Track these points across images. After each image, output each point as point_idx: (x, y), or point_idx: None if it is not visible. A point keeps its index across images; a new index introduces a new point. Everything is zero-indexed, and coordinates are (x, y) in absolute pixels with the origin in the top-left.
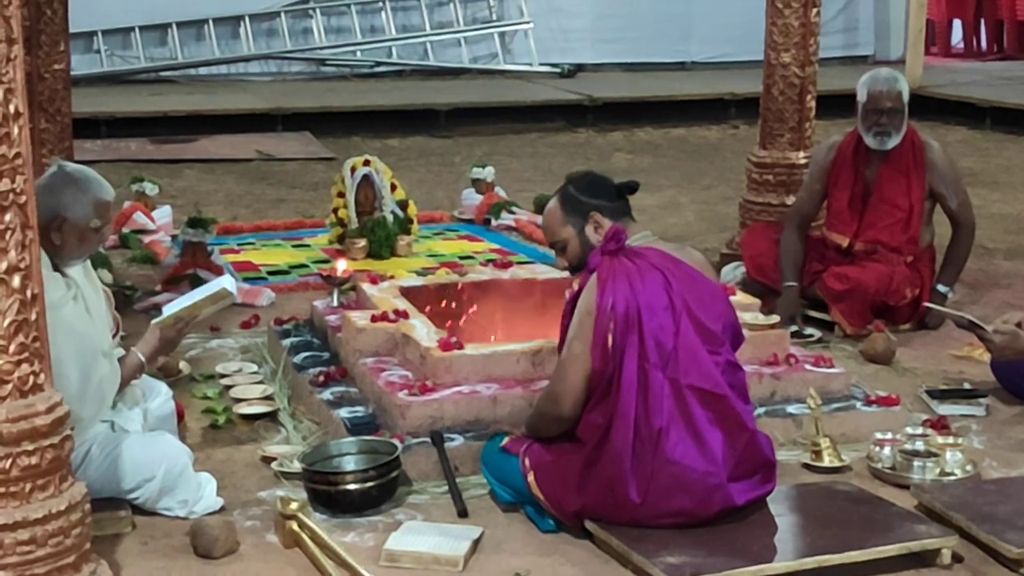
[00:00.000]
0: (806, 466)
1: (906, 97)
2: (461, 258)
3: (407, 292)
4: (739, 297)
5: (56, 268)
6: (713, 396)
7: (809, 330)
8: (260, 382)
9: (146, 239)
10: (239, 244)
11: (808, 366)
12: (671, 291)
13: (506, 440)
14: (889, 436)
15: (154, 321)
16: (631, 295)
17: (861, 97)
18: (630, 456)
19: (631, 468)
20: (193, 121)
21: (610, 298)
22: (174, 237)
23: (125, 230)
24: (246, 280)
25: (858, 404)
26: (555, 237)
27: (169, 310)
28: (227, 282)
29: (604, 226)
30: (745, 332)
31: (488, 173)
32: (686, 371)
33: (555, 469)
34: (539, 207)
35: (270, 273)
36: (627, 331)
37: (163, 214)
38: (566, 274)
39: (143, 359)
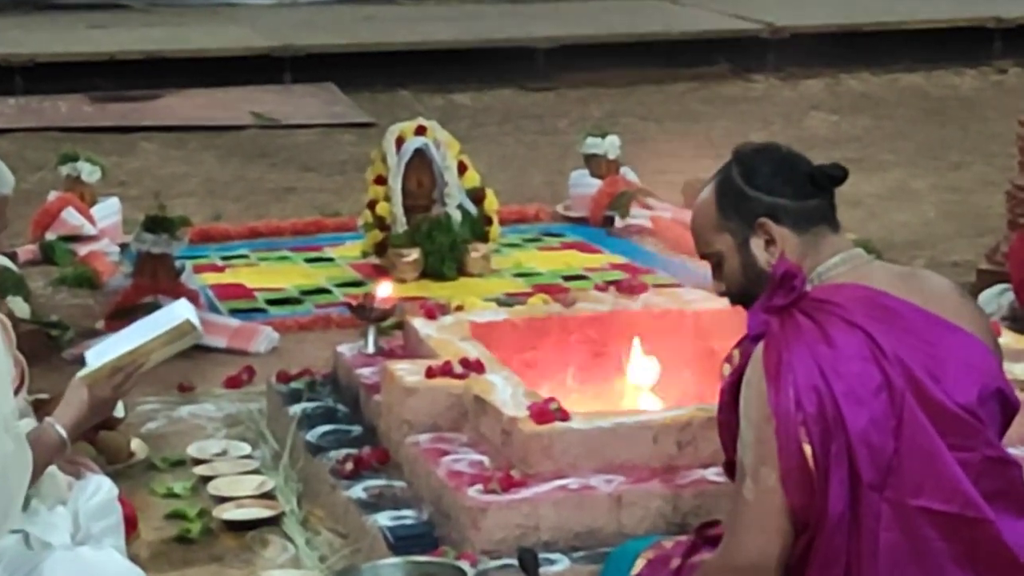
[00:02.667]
0: None
1: None
2: (567, 278)
3: (483, 332)
4: (1007, 339)
5: None
6: (962, 521)
7: None
8: (255, 471)
9: (81, 250)
10: (224, 258)
11: None
12: (884, 360)
13: (640, 563)
14: None
15: (79, 374)
16: (821, 379)
17: None
18: None
19: None
20: (155, 68)
21: (790, 390)
22: (124, 247)
23: (49, 236)
24: (235, 313)
25: None
26: (706, 247)
27: (100, 356)
28: (187, 310)
29: (781, 242)
30: (1021, 395)
31: (610, 146)
32: (916, 487)
33: None
34: (691, 196)
35: (271, 303)
36: (827, 438)
37: (108, 211)
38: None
39: (64, 434)
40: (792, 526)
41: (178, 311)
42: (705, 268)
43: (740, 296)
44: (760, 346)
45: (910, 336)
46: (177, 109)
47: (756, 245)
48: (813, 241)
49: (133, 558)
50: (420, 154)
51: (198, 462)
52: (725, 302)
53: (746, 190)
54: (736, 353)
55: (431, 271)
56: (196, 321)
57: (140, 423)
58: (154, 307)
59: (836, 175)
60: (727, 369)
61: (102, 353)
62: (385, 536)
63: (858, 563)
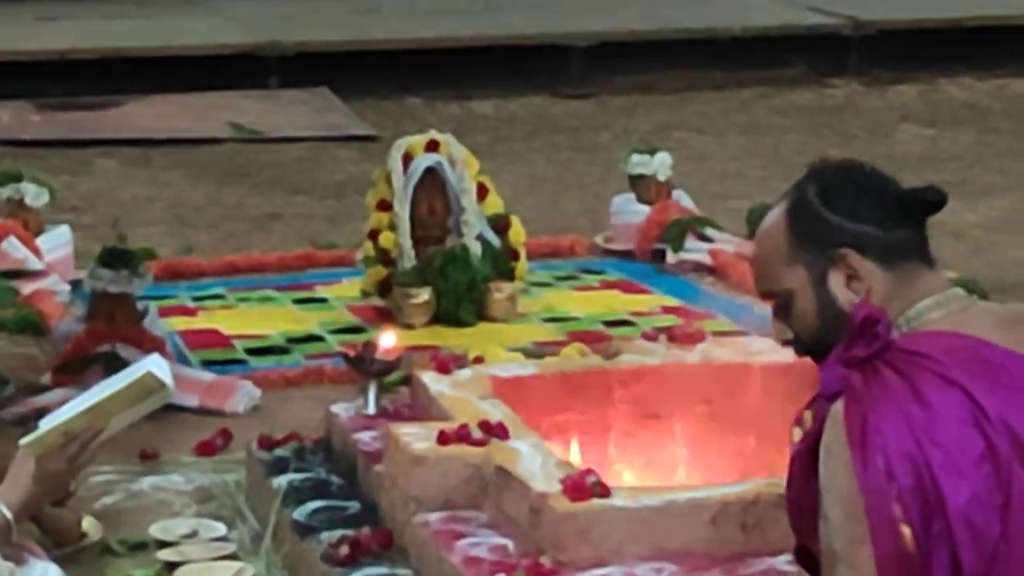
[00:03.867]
0: None
1: None
2: (609, 324)
3: (507, 389)
4: None
5: None
6: None
7: None
8: (231, 556)
9: (24, 288)
10: (196, 298)
11: None
12: (987, 424)
13: None
14: None
15: (23, 441)
16: (915, 446)
17: None
18: None
19: None
20: (115, 69)
21: (879, 459)
22: (76, 285)
23: None
24: (209, 365)
25: None
26: (773, 283)
27: (52, 420)
28: (156, 365)
29: (866, 278)
30: None
31: (660, 165)
32: None
33: None
34: (756, 227)
35: (252, 352)
36: (927, 516)
37: (57, 242)
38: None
39: (8, 515)
40: None
41: (148, 365)
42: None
43: (812, 345)
44: (839, 406)
45: (1018, 395)
46: (140, 119)
47: (835, 281)
48: (903, 279)
49: None
50: (432, 174)
51: (163, 545)
52: (791, 354)
53: (825, 214)
54: (808, 415)
55: (445, 315)
56: (166, 377)
57: (93, 497)
58: (112, 358)
59: (932, 200)
60: (797, 434)
61: (53, 417)
62: None
63: None
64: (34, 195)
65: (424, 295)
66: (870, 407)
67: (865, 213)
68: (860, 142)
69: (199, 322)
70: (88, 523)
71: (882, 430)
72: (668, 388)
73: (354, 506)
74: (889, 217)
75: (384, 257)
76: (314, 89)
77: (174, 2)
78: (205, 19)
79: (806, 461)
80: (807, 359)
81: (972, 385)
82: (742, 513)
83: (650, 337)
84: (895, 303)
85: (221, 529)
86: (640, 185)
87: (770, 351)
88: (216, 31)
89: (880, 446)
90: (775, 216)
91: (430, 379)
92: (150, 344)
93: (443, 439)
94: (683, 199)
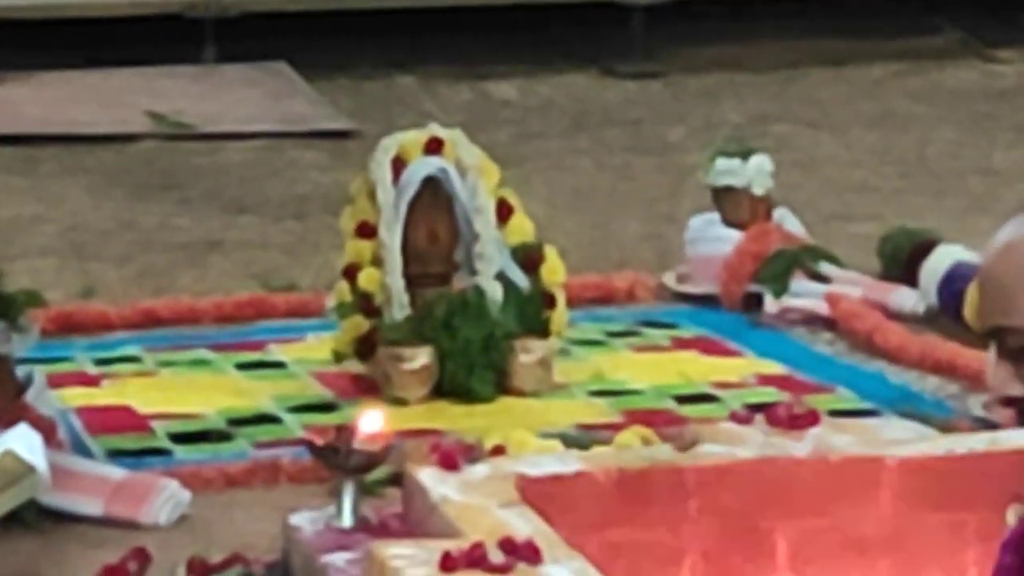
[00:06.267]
0: None
1: None
2: (682, 400)
3: (540, 492)
4: None
5: None
6: None
7: None
8: None
9: None
10: (99, 361)
11: None
12: None
13: None
14: None
15: None
16: None
17: None
18: None
19: None
20: None
21: None
22: None
23: None
24: (117, 457)
25: None
26: (1010, 317)
27: None
28: (20, 440)
29: None
30: None
31: (755, 173)
32: None
33: None
34: (893, 261)
35: (178, 439)
36: None
37: None
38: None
39: None
40: None
41: (9, 440)
42: (925, 384)
43: None
44: None
45: None
46: (22, 106)
47: None
48: None
49: None
50: (433, 187)
51: None
52: (954, 443)
53: None
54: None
55: (451, 386)
56: (36, 458)
57: None
58: None
59: None
60: (1013, 516)
61: None
62: None
63: None
64: None
65: (422, 358)
66: None
67: None
68: None
69: (104, 395)
70: None
71: None
72: (767, 493)
73: None
74: None
75: (365, 304)
76: (266, 64)
77: None
78: None
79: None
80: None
81: None
82: None
83: (741, 419)
84: None
85: None
86: (727, 201)
87: (911, 439)
88: None
89: None
90: (1018, 228)
91: (430, 478)
92: (34, 426)
93: (448, 564)
94: (788, 221)
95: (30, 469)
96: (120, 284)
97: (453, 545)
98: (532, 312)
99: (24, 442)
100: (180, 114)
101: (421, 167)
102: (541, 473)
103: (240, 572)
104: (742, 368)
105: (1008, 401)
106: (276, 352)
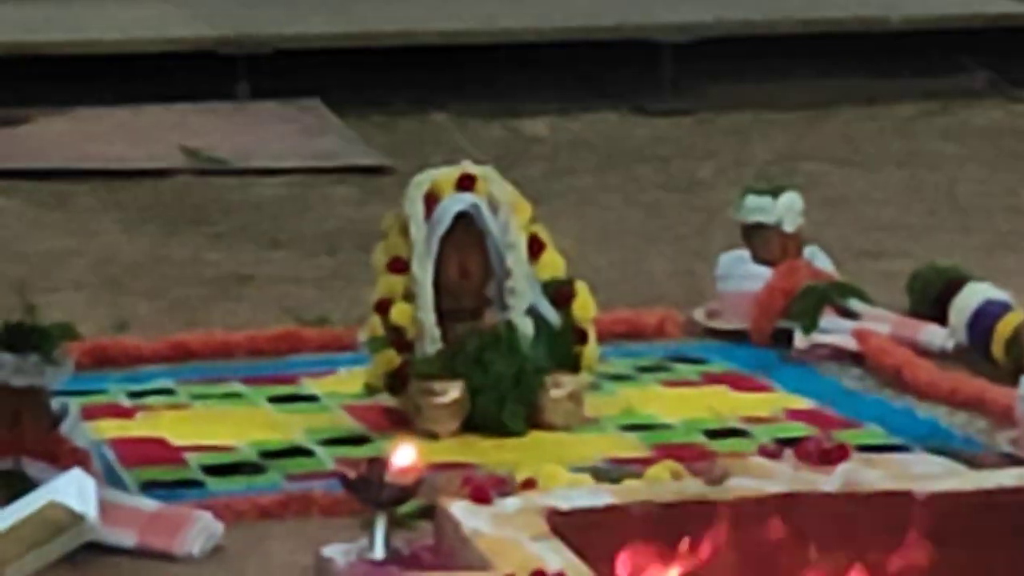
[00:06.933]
0: None
1: None
2: (713, 435)
3: (572, 525)
4: None
5: None
6: None
7: None
8: None
9: None
10: (133, 394)
11: None
12: None
13: None
14: None
15: None
16: None
17: None
18: None
19: None
20: (22, 72)
21: None
22: None
23: None
24: (151, 489)
25: None
26: None
27: None
28: (72, 487)
29: None
30: None
31: (786, 210)
32: None
33: None
34: (922, 298)
35: (211, 471)
36: None
37: None
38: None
39: None
40: None
41: (62, 489)
42: (954, 420)
43: None
44: None
45: None
46: (56, 141)
47: None
48: None
49: None
50: (465, 223)
51: None
52: (983, 479)
53: None
54: None
55: (482, 420)
56: (87, 504)
57: None
58: (14, 477)
59: None
60: None
61: None
62: None
63: None
64: None
65: (453, 392)
66: None
67: None
68: None
69: (138, 428)
70: None
71: None
72: (796, 528)
73: None
74: None
75: (397, 338)
76: (300, 101)
77: None
78: (149, 4)
79: None
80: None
81: None
82: None
83: (771, 454)
84: None
85: None
86: (758, 238)
87: (941, 475)
88: (164, 20)
89: None
90: None
91: (462, 511)
92: (69, 458)
93: None
94: (818, 258)
95: (79, 518)
96: (153, 317)
97: None
98: (563, 347)
99: (75, 488)
100: (213, 149)
101: (453, 203)
102: (572, 506)
103: None
104: (772, 403)
105: None
106: (308, 385)
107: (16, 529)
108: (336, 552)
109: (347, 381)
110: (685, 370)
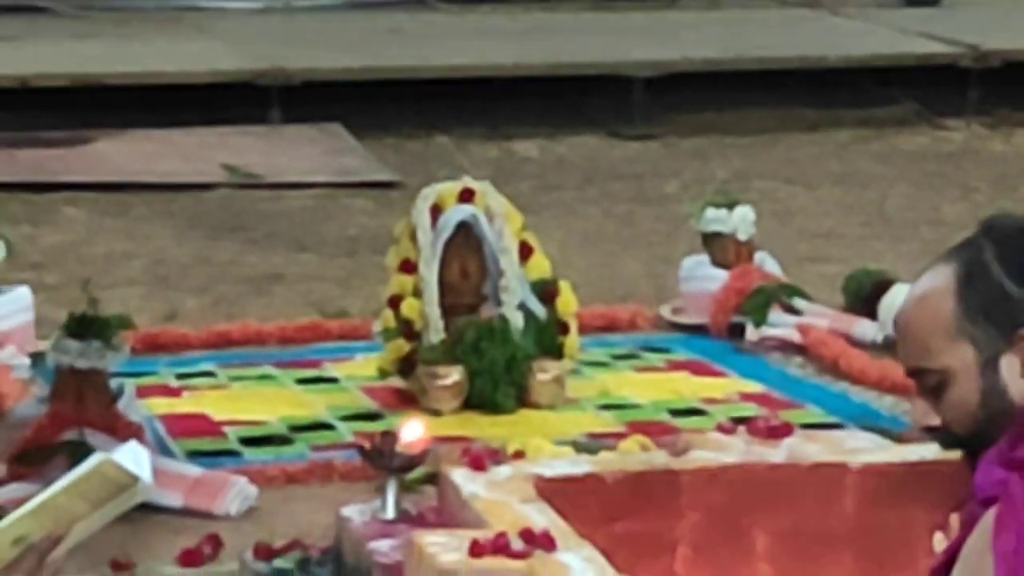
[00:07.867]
0: None
1: None
2: (676, 413)
3: (554, 490)
4: None
5: None
6: None
7: None
8: None
9: None
10: (180, 376)
11: None
12: None
13: None
14: None
15: None
16: None
17: None
18: None
19: None
20: (86, 99)
21: None
22: (37, 358)
23: None
24: (195, 457)
25: None
26: (928, 359)
27: (3, 525)
28: (130, 455)
29: None
30: None
31: (739, 221)
32: None
33: None
34: (856, 297)
35: (247, 442)
36: None
37: (14, 307)
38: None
39: None
40: None
41: (120, 456)
42: (883, 402)
43: (965, 437)
44: (991, 514)
45: None
46: (115, 159)
47: (1010, 367)
48: None
49: None
50: (465, 230)
51: None
52: (907, 452)
53: (1007, 286)
54: (955, 520)
55: (479, 400)
56: (142, 468)
57: None
58: (78, 447)
59: None
60: (940, 542)
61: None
62: None
63: None
64: None
65: (454, 375)
66: None
67: None
68: (981, 195)
69: (184, 405)
70: None
71: None
72: (747, 493)
73: None
74: None
75: (407, 329)
76: (324, 125)
77: (157, 20)
78: (194, 40)
79: None
80: (946, 454)
81: None
82: None
83: (726, 430)
84: None
85: None
86: (715, 245)
87: (871, 448)
88: (207, 55)
89: None
90: (940, 278)
91: (461, 477)
92: (125, 431)
93: (477, 550)
94: (767, 263)
95: (134, 479)
96: (198, 310)
97: (480, 534)
98: (548, 337)
99: (131, 456)
100: (250, 167)
101: (455, 213)
102: (556, 474)
103: (299, 556)
104: (727, 387)
105: (929, 430)
106: (330, 369)
107: (77, 484)
108: (353, 512)
109: (364, 365)
110: (653, 358)
